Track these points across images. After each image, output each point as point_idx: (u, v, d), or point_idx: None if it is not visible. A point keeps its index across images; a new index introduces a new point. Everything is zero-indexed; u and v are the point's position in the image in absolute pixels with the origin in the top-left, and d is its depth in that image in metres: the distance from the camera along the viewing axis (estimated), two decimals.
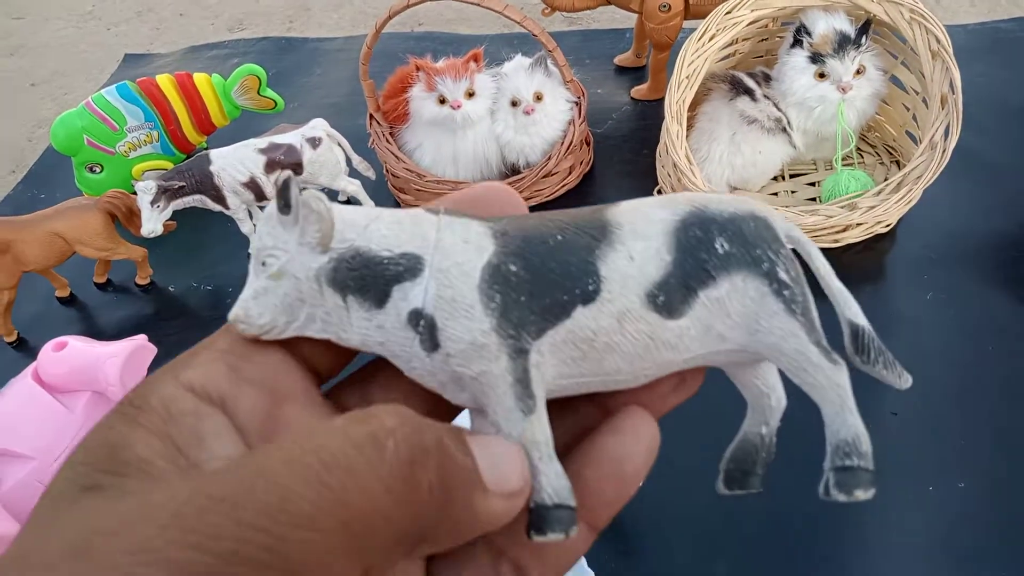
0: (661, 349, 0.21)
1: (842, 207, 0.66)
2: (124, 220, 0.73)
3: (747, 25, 0.72)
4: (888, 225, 0.71)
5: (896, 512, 0.53)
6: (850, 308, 0.23)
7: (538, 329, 0.20)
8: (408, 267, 0.20)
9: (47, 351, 0.55)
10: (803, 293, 0.21)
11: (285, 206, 0.20)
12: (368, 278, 0.20)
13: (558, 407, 0.22)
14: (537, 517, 0.20)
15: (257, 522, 0.15)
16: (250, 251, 0.21)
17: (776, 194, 0.80)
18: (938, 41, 0.67)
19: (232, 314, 0.21)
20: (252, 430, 0.20)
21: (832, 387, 0.21)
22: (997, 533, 0.51)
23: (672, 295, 0.21)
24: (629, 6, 0.87)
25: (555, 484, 0.20)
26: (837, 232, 0.70)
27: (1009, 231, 0.72)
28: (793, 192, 0.80)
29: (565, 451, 0.22)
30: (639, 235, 0.21)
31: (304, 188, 0.22)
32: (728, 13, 0.71)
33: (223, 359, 0.20)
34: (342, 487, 0.16)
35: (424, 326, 0.20)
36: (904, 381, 0.23)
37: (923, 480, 0.54)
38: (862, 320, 0.22)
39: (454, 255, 0.20)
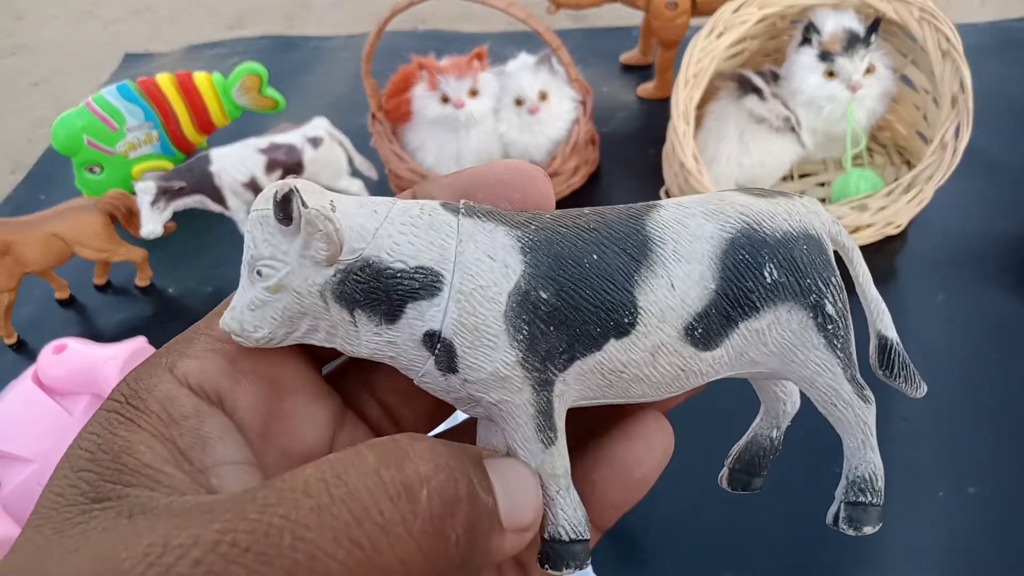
0: (691, 378, 0.20)
1: (852, 208, 0.66)
2: (124, 221, 0.72)
3: (755, 23, 0.71)
4: (899, 226, 0.70)
5: (905, 518, 0.52)
6: (882, 320, 0.22)
7: (566, 361, 0.19)
8: (425, 284, 0.19)
9: (47, 353, 0.55)
10: (846, 327, 0.21)
11: (285, 218, 0.18)
12: (379, 292, 0.19)
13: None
14: (552, 552, 0.19)
15: None
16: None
17: None
18: (948, 40, 0.66)
19: (226, 325, 0.20)
20: (253, 428, 0.19)
21: (859, 424, 0.21)
22: (1007, 539, 0.50)
23: (711, 327, 0.20)
24: (635, 3, 0.86)
25: (572, 518, 0.19)
26: (848, 233, 0.69)
27: (1021, 232, 0.71)
28: (802, 192, 0.79)
29: (575, 447, 0.22)
30: (682, 257, 0.20)
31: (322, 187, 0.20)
32: (736, 11, 0.70)
33: (221, 350, 0.20)
34: (372, 545, 0.15)
35: (441, 349, 0.19)
36: (920, 391, 0.22)
37: (933, 485, 0.54)
38: (892, 333, 0.22)
39: (478, 276, 0.19)
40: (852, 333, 0.21)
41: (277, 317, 0.19)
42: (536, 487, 0.19)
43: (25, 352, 0.73)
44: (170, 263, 0.79)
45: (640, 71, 0.99)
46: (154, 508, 0.16)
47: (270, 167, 0.73)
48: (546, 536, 0.20)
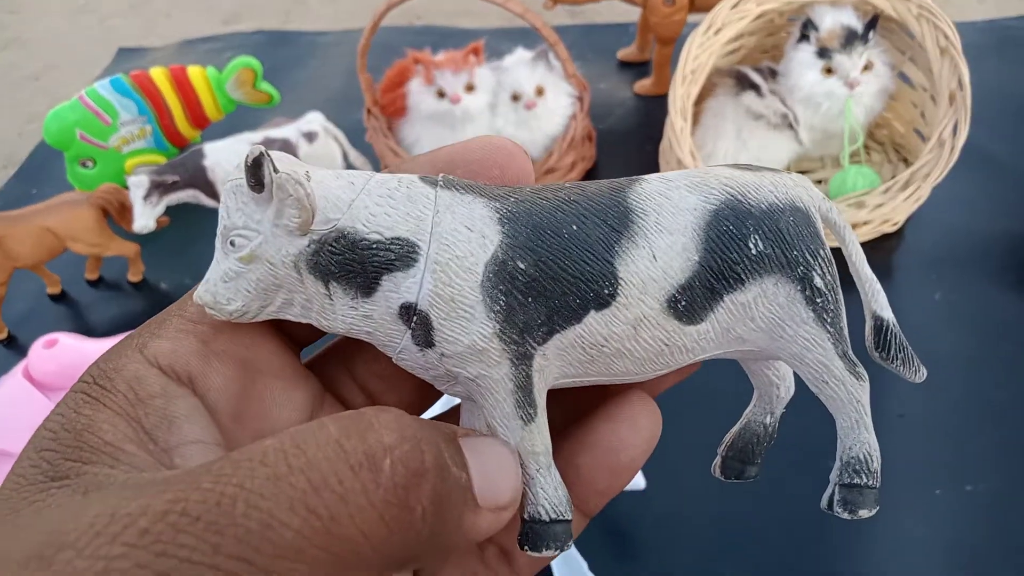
0: (675, 354, 0.20)
1: (849, 205, 0.65)
2: (116, 215, 0.71)
3: (753, 19, 0.71)
4: (896, 224, 0.70)
5: (902, 515, 0.52)
6: (877, 300, 0.21)
7: (545, 333, 0.19)
8: (401, 255, 0.18)
9: (38, 348, 0.54)
10: (836, 300, 0.20)
11: (257, 184, 0.18)
12: (354, 264, 0.18)
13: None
14: (532, 532, 0.19)
15: (237, 551, 0.13)
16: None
17: None
18: (946, 38, 0.66)
19: (199, 297, 0.19)
20: (224, 410, 0.19)
21: (851, 402, 0.20)
22: (1005, 537, 0.50)
23: (695, 300, 0.19)
24: (633, 0, 0.85)
25: (552, 498, 0.19)
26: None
27: (1019, 230, 0.71)
28: None
29: (560, 430, 0.21)
30: (664, 228, 0.19)
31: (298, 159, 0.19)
32: (734, 7, 0.70)
33: (193, 331, 0.19)
34: (330, 515, 0.14)
35: (417, 322, 0.18)
36: (920, 375, 0.22)
37: (930, 483, 0.53)
38: (888, 314, 0.21)
39: (455, 246, 0.18)
40: (843, 308, 0.20)
41: (251, 289, 0.19)
42: (515, 465, 0.18)
43: (16, 347, 0.72)
44: (163, 258, 0.79)
45: (637, 67, 0.99)
46: (110, 484, 0.15)
47: None
48: (526, 516, 0.19)
